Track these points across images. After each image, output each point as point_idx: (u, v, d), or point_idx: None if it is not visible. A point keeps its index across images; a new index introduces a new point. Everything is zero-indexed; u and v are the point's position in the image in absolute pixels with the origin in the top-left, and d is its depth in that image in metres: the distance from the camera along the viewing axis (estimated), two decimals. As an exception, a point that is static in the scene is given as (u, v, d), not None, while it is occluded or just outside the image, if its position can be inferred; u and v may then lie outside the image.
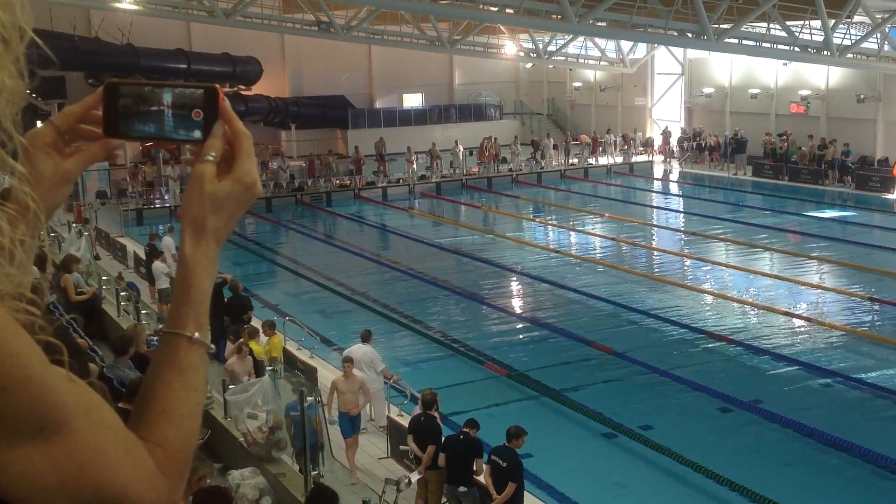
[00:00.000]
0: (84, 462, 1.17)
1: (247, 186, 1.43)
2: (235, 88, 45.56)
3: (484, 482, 11.58)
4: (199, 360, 1.40)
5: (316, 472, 11.19)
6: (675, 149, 46.95)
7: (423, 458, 12.16)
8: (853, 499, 13.43)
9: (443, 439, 12.20)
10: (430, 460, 12.16)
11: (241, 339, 15.19)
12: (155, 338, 13.49)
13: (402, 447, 13.39)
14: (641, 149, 47.66)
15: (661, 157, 47.07)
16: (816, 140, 40.38)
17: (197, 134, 1.42)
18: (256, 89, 45.92)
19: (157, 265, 21.34)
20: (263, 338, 16.01)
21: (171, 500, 1.31)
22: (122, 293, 18.56)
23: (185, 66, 43.01)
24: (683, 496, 13.38)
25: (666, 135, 47.63)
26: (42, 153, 1.40)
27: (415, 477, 11.94)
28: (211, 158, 1.41)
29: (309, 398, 11.50)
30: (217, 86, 1.42)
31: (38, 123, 1.30)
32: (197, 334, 1.40)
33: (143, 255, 24.26)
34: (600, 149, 46.81)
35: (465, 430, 12.05)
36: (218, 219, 1.41)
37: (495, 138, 45.06)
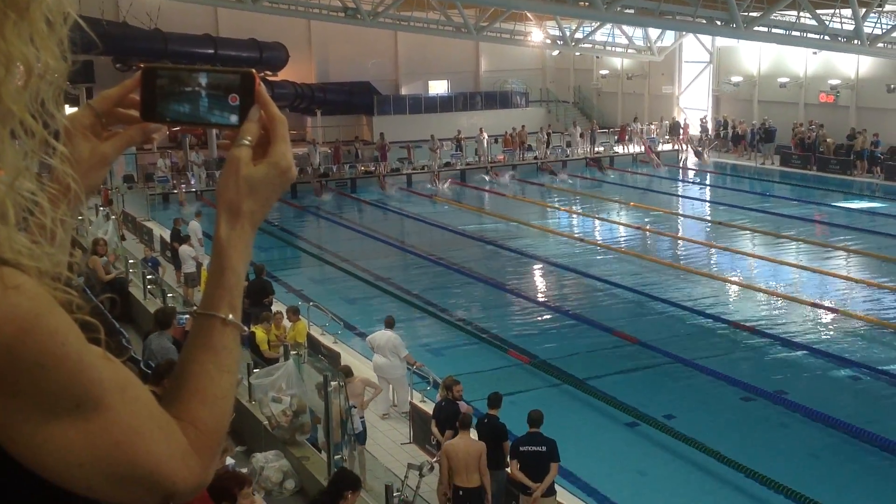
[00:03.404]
0: (119, 439, 1.19)
1: (282, 171, 1.45)
2: (262, 74, 45.66)
3: (516, 475, 11.46)
4: (232, 341, 1.42)
5: (339, 455, 11.24)
6: (696, 137, 46.62)
7: (443, 443, 12.20)
8: (878, 490, 13.34)
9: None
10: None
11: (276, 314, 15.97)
12: (185, 316, 13.67)
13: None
14: (667, 137, 47.34)
15: (686, 147, 46.73)
16: (845, 130, 40.00)
17: (233, 118, 1.43)
18: (282, 75, 45.98)
19: (185, 249, 21.48)
20: (287, 322, 16.11)
21: (204, 478, 1.33)
22: (148, 276, 18.70)
23: (212, 51, 43.12)
24: (705, 485, 13.36)
25: (688, 125, 47.35)
26: (80, 136, 1.42)
27: (436, 461, 11.98)
28: (247, 143, 1.43)
29: (333, 383, 11.54)
30: (254, 71, 1.44)
31: (67, 107, 1.32)
32: (231, 316, 1.42)
33: (168, 239, 24.43)
34: (627, 137, 46.58)
35: (490, 412, 12.08)
36: (253, 202, 1.43)
37: (523, 126, 44.98)
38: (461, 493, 11.26)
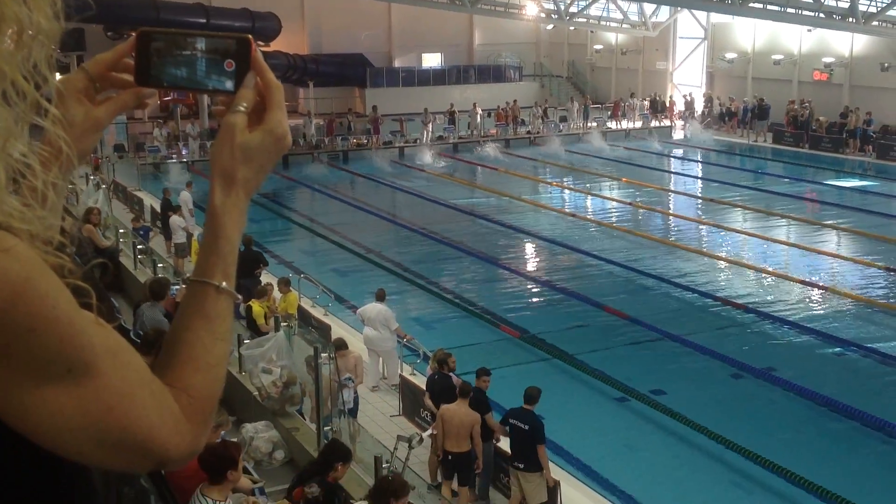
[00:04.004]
0: (111, 404, 1.18)
1: (277, 138, 1.43)
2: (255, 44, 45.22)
3: (497, 433, 11.85)
4: (225, 309, 1.41)
5: (328, 427, 11.27)
6: (681, 113, 46.76)
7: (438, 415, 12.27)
8: (864, 468, 13.44)
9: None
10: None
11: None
12: (175, 287, 13.65)
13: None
14: (646, 112, 47.29)
15: (681, 123, 46.78)
16: (838, 108, 40.01)
17: (229, 84, 1.41)
18: (275, 46, 45.56)
19: (175, 219, 21.41)
20: (278, 294, 16.09)
21: (196, 445, 1.32)
22: (138, 246, 18.64)
23: (203, 20, 42.71)
24: (693, 461, 13.45)
25: (682, 101, 47.36)
26: (74, 99, 1.40)
27: (427, 434, 12.06)
28: (242, 109, 1.41)
29: (323, 355, 11.55)
30: (250, 36, 1.42)
31: (58, 75, 1.30)
32: (224, 284, 1.40)
33: (158, 209, 24.33)
34: (621, 112, 46.53)
35: (476, 386, 12.13)
36: (248, 170, 1.41)
37: (515, 101, 44.90)
38: (450, 456, 11.65)
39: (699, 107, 47.02)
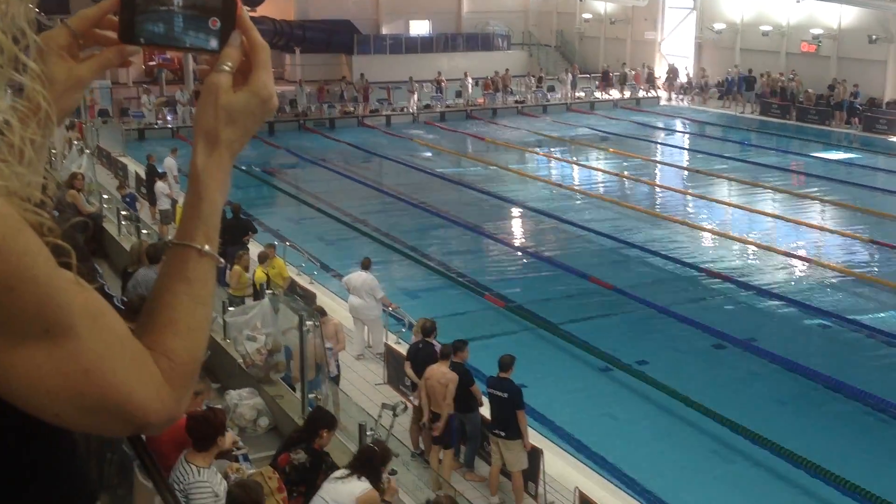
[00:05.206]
0: (89, 367, 1.15)
1: (263, 99, 1.39)
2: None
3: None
4: (207, 273, 1.38)
5: (313, 394, 11.28)
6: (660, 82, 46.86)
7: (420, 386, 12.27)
8: (844, 438, 13.56)
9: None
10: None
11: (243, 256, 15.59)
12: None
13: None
14: (647, 85, 47.26)
15: (645, 94, 46.77)
16: (826, 80, 40.03)
17: (213, 44, 1.37)
18: (262, 11, 45.19)
19: (159, 185, 21.30)
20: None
21: (176, 410, 1.30)
22: (122, 212, 18.52)
23: (189, -17, 42.33)
24: (675, 430, 13.53)
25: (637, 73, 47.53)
26: (56, 56, 1.37)
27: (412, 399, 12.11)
28: (227, 69, 1.37)
29: (308, 323, 11.53)
30: None
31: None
32: (207, 247, 1.37)
33: (143, 175, 24.17)
34: (614, 81, 46.51)
35: (454, 360, 12.12)
36: (232, 131, 1.38)
37: (507, 70, 44.75)
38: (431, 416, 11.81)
39: (661, 78, 47.15)
